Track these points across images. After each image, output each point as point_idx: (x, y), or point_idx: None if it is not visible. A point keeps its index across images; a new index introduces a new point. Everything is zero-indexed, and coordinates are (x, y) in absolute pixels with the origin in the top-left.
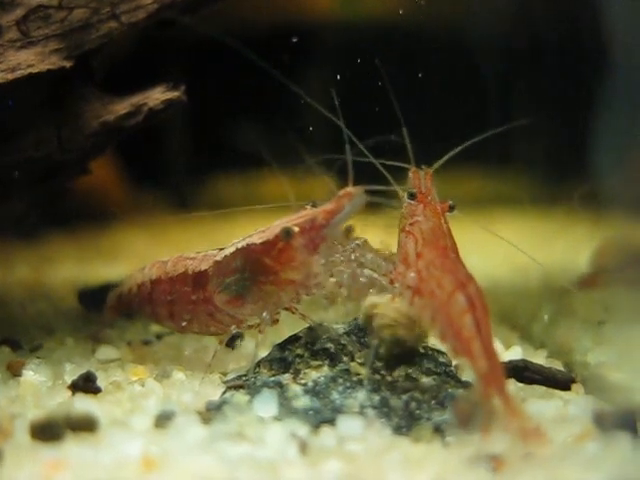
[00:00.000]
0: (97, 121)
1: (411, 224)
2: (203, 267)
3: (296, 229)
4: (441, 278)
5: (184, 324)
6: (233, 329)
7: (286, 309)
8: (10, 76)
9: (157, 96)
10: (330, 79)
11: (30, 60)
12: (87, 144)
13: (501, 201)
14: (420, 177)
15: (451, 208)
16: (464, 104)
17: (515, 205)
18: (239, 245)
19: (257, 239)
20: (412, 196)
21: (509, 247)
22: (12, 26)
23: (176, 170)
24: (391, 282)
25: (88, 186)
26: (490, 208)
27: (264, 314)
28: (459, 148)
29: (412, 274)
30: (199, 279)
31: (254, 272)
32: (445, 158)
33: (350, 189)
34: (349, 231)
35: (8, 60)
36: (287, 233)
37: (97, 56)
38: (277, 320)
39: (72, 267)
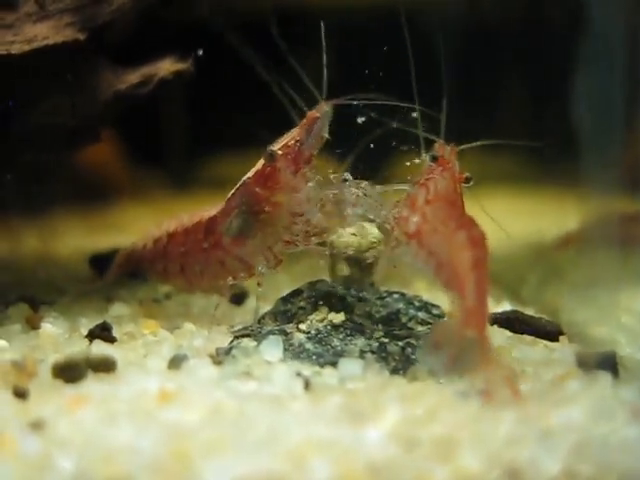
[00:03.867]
0: (110, 90)
1: (427, 179)
2: (213, 213)
3: (279, 151)
4: (446, 218)
5: (194, 278)
6: (230, 281)
7: (288, 243)
8: (27, 47)
9: (167, 67)
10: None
11: (46, 32)
12: (100, 112)
13: (495, 179)
14: (445, 148)
15: (467, 180)
16: (463, 86)
17: (508, 183)
18: (237, 185)
19: (250, 174)
20: (434, 159)
21: (502, 219)
22: (29, 0)
23: (177, 149)
24: (392, 228)
25: (91, 164)
26: (485, 186)
27: (267, 256)
28: (491, 142)
29: (415, 218)
30: (210, 225)
31: (250, 205)
32: (475, 144)
33: (320, 104)
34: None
35: (25, 32)
36: (271, 155)
37: (109, 29)
38: (281, 260)
39: (79, 239)
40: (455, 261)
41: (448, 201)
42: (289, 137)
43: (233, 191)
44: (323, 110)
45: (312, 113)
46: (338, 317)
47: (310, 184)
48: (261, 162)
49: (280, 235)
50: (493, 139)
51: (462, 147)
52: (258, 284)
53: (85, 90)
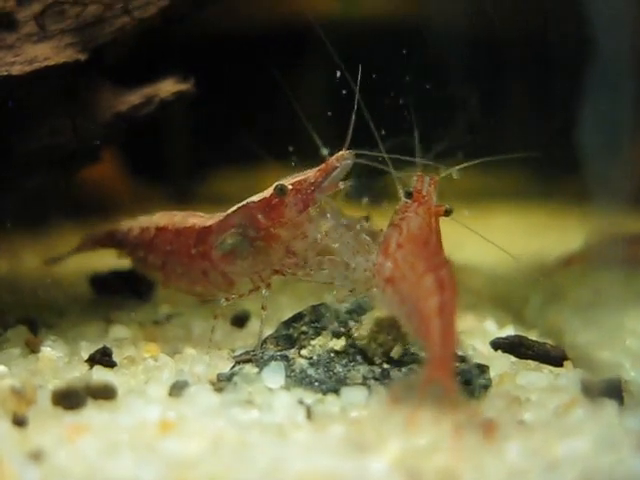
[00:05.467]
0: (110, 111)
1: (401, 219)
2: (208, 223)
3: (290, 186)
4: (414, 262)
5: (174, 277)
6: (223, 302)
7: (276, 272)
8: (28, 68)
9: (168, 88)
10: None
11: (46, 53)
12: (101, 133)
13: (498, 196)
14: (423, 181)
15: (447, 212)
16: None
17: (511, 199)
18: (240, 204)
19: (255, 198)
20: (408, 195)
21: (504, 238)
22: (29, 21)
23: (177, 165)
24: (373, 275)
25: (93, 181)
26: (488, 202)
27: (254, 279)
28: (473, 162)
29: (388, 264)
30: (203, 234)
31: (248, 228)
32: (455, 169)
33: (342, 152)
34: (366, 219)
35: (26, 53)
36: (281, 190)
37: (110, 50)
38: (269, 284)
39: (80, 257)
40: (422, 307)
41: (420, 241)
42: (304, 176)
43: (234, 209)
44: (344, 161)
45: (332, 161)
46: (340, 343)
47: (312, 226)
48: (269, 190)
49: (270, 264)
50: (496, 155)
51: (442, 175)
52: (262, 308)
53: (86, 111)
